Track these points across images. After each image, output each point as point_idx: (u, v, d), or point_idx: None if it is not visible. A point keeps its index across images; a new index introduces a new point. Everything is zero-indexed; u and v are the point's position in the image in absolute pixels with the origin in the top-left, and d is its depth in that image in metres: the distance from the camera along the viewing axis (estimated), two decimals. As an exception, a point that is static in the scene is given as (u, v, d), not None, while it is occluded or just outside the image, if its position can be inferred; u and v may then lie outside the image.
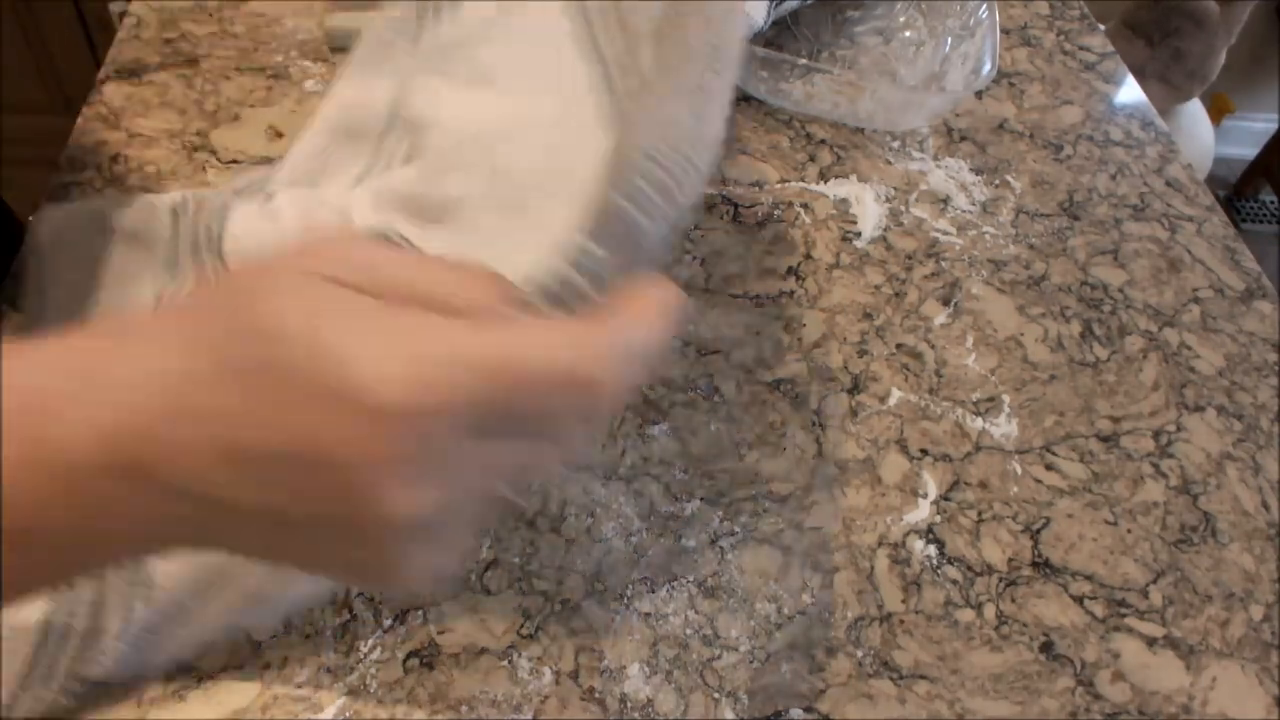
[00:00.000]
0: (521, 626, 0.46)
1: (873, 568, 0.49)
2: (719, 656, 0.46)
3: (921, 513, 0.52)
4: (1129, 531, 0.53)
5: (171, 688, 0.42)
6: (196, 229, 0.50)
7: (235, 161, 0.62)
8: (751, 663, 0.46)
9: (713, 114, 0.38)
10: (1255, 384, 0.60)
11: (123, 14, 0.72)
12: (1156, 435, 0.57)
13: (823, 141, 0.71)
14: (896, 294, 0.62)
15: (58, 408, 0.22)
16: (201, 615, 0.41)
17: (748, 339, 0.58)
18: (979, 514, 0.52)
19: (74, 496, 0.22)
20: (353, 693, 0.43)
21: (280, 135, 0.64)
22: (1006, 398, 0.57)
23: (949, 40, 0.75)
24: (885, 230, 0.66)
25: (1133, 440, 0.57)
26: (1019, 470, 0.54)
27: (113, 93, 0.66)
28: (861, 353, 0.58)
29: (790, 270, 0.62)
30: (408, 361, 0.22)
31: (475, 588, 0.47)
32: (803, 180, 0.68)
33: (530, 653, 0.45)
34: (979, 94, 0.77)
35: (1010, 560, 0.51)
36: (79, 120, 0.64)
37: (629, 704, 0.44)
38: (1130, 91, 0.80)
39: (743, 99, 0.73)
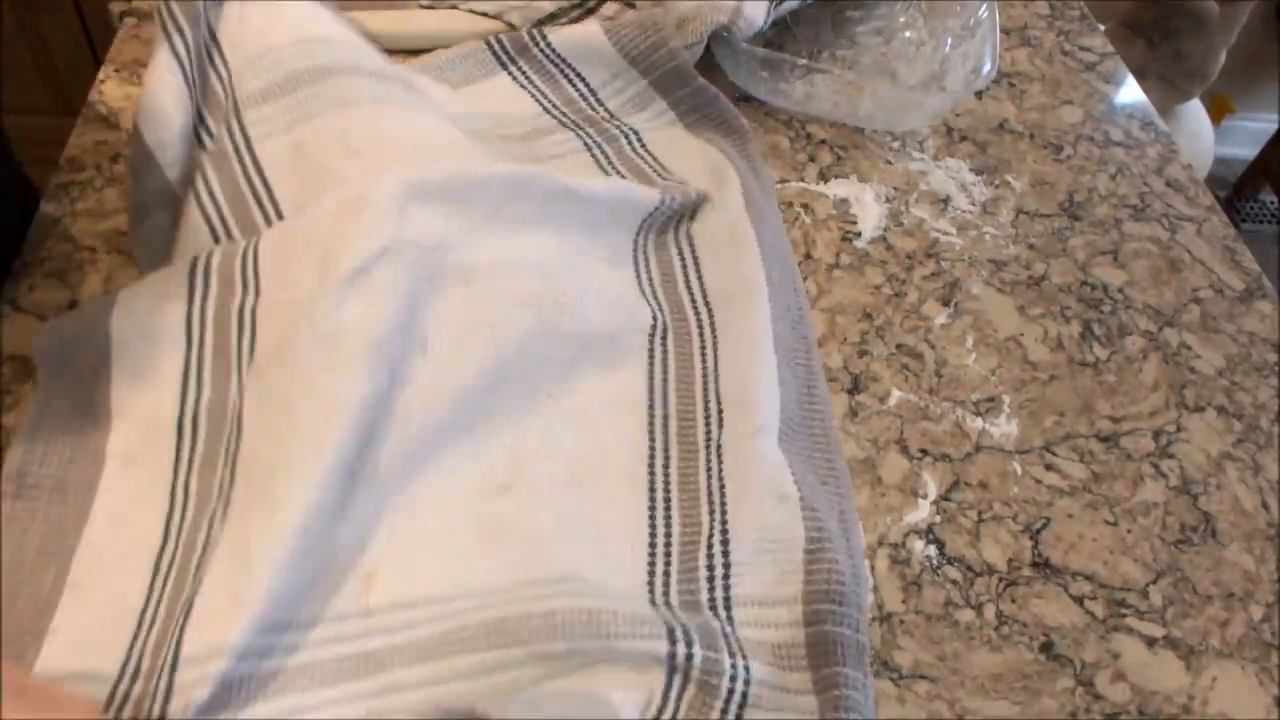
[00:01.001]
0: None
1: (873, 568, 0.49)
2: (719, 656, 0.46)
3: (921, 513, 0.52)
4: (1129, 531, 0.53)
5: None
6: (226, 313, 0.49)
7: (235, 161, 0.62)
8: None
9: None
10: (1255, 384, 0.60)
11: (123, 14, 0.72)
12: (1156, 435, 0.57)
13: (823, 141, 0.71)
14: (896, 294, 0.62)
15: None
16: None
17: (748, 339, 0.58)
18: (979, 514, 0.52)
19: None
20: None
21: (280, 135, 0.64)
22: (1006, 398, 0.57)
23: (949, 40, 0.75)
24: (885, 230, 0.66)
25: (1133, 440, 0.57)
26: (1019, 470, 0.54)
27: (113, 93, 0.66)
28: (861, 353, 0.58)
29: (790, 270, 0.62)
30: None
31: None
32: (803, 180, 0.68)
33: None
34: (979, 94, 0.77)
35: (1010, 560, 0.51)
36: (79, 120, 0.64)
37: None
38: (1130, 91, 0.80)
39: (743, 99, 0.73)
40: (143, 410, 0.48)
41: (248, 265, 0.50)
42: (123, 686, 0.39)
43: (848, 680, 0.42)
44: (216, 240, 0.53)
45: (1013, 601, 0.49)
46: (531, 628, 0.42)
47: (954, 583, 0.49)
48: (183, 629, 0.39)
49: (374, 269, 0.48)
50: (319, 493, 0.42)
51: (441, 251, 0.51)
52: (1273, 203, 2.21)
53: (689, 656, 0.41)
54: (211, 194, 0.54)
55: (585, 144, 0.65)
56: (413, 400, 0.48)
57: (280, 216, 0.53)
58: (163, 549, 0.44)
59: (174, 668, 0.38)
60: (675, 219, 0.62)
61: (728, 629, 0.44)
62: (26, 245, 0.56)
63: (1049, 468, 0.55)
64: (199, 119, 0.57)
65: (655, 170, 0.65)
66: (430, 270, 0.50)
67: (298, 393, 0.45)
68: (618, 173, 0.65)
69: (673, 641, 0.42)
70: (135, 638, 0.41)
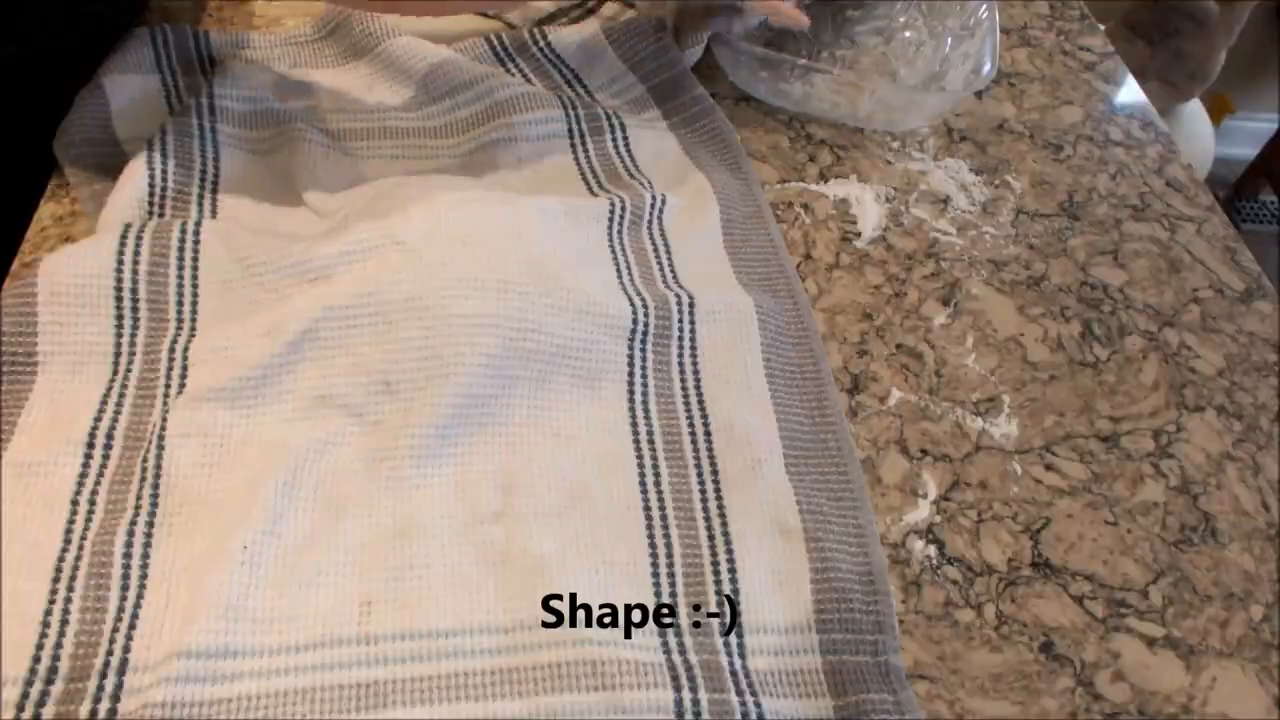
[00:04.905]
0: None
1: (873, 568, 0.49)
2: (719, 656, 0.46)
3: (921, 513, 0.52)
4: (1129, 531, 0.53)
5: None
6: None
7: (235, 161, 0.62)
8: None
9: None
10: (1255, 384, 0.60)
11: (123, 14, 0.71)
12: (1156, 435, 0.57)
13: (823, 141, 0.71)
14: (896, 294, 0.62)
15: None
16: None
17: (748, 339, 0.58)
18: (979, 514, 0.52)
19: None
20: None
21: (280, 135, 0.64)
22: (1006, 398, 0.57)
23: (949, 40, 0.75)
24: (885, 230, 0.66)
25: (1133, 440, 0.57)
26: (1019, 470, 0.54)
27: (113, 93, 0.65)
28: (861, 353, 0.58)
29: (790, 270, 0.62)
30: None
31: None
32: (803, 180, 0.68)
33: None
34: (979, 94, 0.77)
35: (1010, 560, 0.51)
36: (79, 120, 0.64)
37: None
38: (1130, 91, 0.80)
39: (743, 99, 0.73)
40: (47, 422, 0.48)
41: (184, 304, 0.52)
42: (37, 687, 0.40)
43: (874, 705, 0.43)
44: (151, 199, 0.56)
45: (1013, 601, 0.49)
46: (535, 679, 0.42)
47: (954, 583, 0.49)
48: (129, 636, 0.42)
49: (321, 329, 0.50)
50: (269, 522, 0.45)
51: (395, 288, 0.52)
52: (1273, 203, 2.21)
53: (695, 703, 0.42)
54: (164, 155, 0.57)
55: (569, 128, 0.65)
56: (386, 438, 0.49)
57: (214, 215, 0.57)
58: (63, 554, 0.44)
59: (122, 670, 0.41)
60: (646, 219, 0.61)
61: (737, 663, 0.44)
62: (26, 245, 0.56)
63: (1049, 468, 0.55)
64: (173, 79, 0.63)
65: (628, 170, 0.65)
66: (381, 311, 0.51)
67: (236, 438, 0.48)
68: (590, 167, 0.64)
69: (678, 689, 0.42)
70: (42, 640, 0.42)
